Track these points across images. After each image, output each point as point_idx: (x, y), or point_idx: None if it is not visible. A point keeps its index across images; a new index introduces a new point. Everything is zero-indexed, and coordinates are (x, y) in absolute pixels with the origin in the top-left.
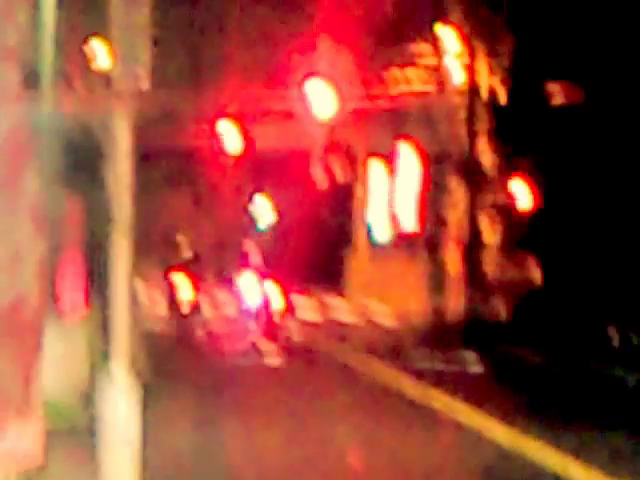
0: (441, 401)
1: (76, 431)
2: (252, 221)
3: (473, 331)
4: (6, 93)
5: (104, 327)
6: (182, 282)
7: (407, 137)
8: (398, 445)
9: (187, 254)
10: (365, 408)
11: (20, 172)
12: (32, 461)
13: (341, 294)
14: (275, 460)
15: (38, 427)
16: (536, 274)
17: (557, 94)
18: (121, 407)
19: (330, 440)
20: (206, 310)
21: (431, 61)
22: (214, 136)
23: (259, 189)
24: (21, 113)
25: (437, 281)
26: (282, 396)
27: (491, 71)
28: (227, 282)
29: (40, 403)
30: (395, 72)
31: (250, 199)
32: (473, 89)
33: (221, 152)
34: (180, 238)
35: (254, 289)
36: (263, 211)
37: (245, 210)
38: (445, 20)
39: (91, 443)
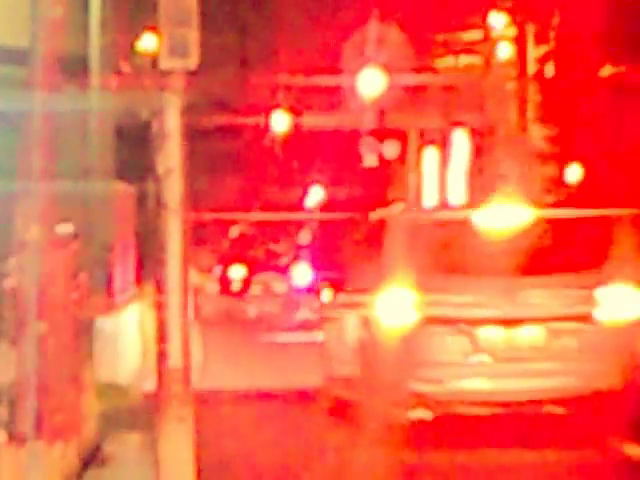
0: None
1: (130, 409)
2: (303, 200)
3: None
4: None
5: (155, 308)
6: (232, 261)
7: (459, 123)
8: None
9: (236, 234)
10: None
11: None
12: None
13: None
14: None
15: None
16: None
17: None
18: (175, 387)
19: None
20: (256, 289)
21: (482, 47)
22: (263, 116)
23: (309, 169)
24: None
25: None
26: None
27: (538, 43)
28: (276, 259)
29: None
30: (447, 59)
31: (301, 182)
32: (521, 61)
33: (270, 132)
34: (230, 219)
35: (304, 269)
36: (314, 192)
37: (295, 189)
38: (496, 6)
39: (144, 420)
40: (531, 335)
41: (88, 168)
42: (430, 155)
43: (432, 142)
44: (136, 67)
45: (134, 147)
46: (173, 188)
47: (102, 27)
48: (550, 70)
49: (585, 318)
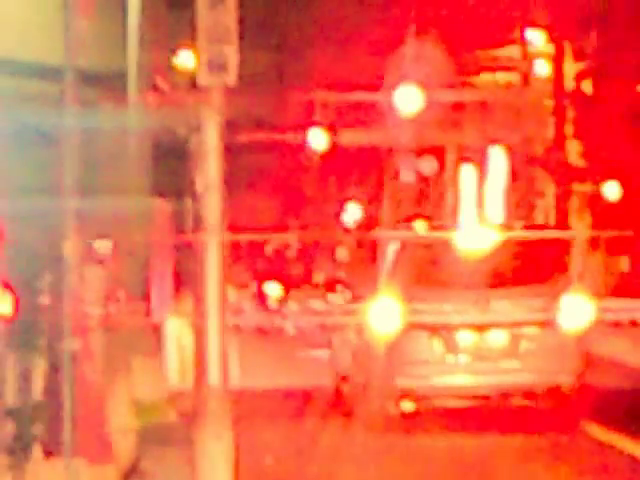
0: None
1: (168, 426)
2: (339, 217)
3: None
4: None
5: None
6: (269, 278)
7: (497, 140)
8: None
9: (272, 250)
10: None
11: None
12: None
13: None
14: None
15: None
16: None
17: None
18: (212, 404)
19: None
20: (293, 305)
21: (519, 64)
22: (300, 133)
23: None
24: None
25: None
26: None
27: (575, 60)
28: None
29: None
30: (484, 76)
31: (338, 199)
32: (559, 79)
33: (307, 149)
34: (267, 236)
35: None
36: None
37: (331, 209)
38: (533, 23)
39: (179, 438)
40: (498, 338)
41: (126, 185)
42: (467, 172)
43: (469, 159)
44: (174, 84)
45: (172, 164)
46: (212, 205)
47: (140, 44)
48: (588, 87)
49: (544, 324)
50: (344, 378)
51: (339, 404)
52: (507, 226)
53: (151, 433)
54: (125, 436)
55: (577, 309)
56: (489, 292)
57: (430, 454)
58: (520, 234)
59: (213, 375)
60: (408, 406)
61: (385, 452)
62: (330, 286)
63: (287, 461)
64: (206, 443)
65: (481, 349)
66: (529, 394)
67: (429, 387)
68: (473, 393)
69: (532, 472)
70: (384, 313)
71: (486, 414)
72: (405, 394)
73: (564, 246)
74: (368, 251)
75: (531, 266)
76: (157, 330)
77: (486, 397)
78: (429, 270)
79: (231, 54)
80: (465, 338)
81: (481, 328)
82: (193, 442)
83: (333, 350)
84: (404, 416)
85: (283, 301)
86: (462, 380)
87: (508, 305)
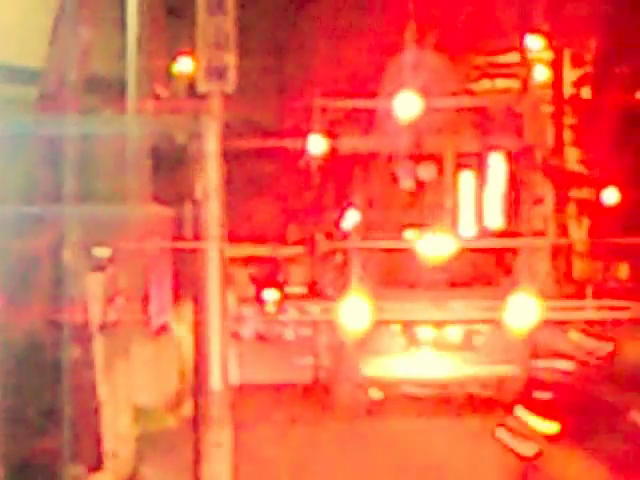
0: None
1: (168, 432)
2: (338, 223)
3: None
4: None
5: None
6: (267, 284)
7: (496, 146)
8: None
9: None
10: None
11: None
12: None
13: None
14: None
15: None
16: (623, 270)
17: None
18: (213, 410)
19: None
20: (292, 312)
21: (519, 70)
22: (298, 139)
23: (346, 196)
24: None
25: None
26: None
27: (574, 66)
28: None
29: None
30: (483, 83)
31: (336, 206)
32: (558, 85)
33: (305, 155)
34: (265, 241)
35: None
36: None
37: (330, 213)
38: (533, 29)
39: (180, 445)
40: (454, 334)
41: (125, 192)
42: (466, 178)
43: (468, 165)
44: (172, 90)
45: (170, 170)
46: (211, 211)
47: (138, 50)
48: (587, 93)
49: (494, 322)
50: (320, 369)
51: (316, 393)
52: (494, 232)
53: (151, 439)
54: (125, 442)
55: (523, 309)
56: (446, 293)
57: (395, 436)
58: (473, 243)
59: (215, 380)
60: (376, 394)
61: (354, 434)
62: (312, 289)
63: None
64: (206, 449)
65: (439, 343)
66: (482, 383)
67: (394, 376)
68: (432, 382)
69: (484, 448)
70: (354, 311)
71: (444, 400)
72: (372, 383)
73: (513, 253)
74: (343, 256)
75: (483, 270)
76: (157, 336)
77: (443, 386)
78: (394, 273)
79: (230, 61)
80: (425, 333)
81: (439, 324)
82: (193, 448)
83: (312, 345)
84: (372, 402)
85: (281, 307)
86: (422, 371)
87: (463, 305)
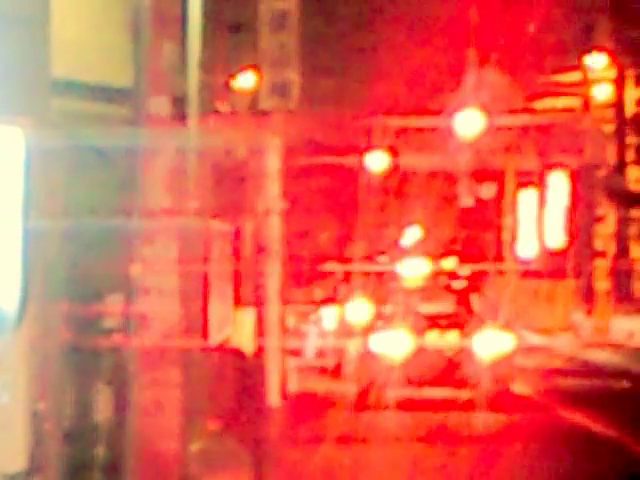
0: None
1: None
2: (398, 241)
3: None
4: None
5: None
6: (327, 300)
7: (557, 165)
8: None
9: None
10: None
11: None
12: None
13: None
14: None
15: None
16: None
17: None
18: (274, 428)
19: None
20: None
21: (581, 89)
22: (358, 156)
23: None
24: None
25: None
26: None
27: (637, 85)
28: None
29: None
30: (545, 101)
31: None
32: (620, 104)
33: (367, 172)
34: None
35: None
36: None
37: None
38: (595, 48)
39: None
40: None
41: (185, 206)
42: (527, 197)
43: (529, 184)
44: (233, 106)
45: (231, 186)
46: (272, 227)
47: (200, 67)
48: None
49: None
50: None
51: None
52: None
53: (211, 456)
54: (185, 462)
55: (490, 340)
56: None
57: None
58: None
59: (274, 397)
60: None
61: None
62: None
63: None
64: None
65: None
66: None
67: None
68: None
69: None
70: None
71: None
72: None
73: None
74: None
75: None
76: (213, 352)
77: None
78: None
79: (293, 78)
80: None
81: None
82: (253, 466)
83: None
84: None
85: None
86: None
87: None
